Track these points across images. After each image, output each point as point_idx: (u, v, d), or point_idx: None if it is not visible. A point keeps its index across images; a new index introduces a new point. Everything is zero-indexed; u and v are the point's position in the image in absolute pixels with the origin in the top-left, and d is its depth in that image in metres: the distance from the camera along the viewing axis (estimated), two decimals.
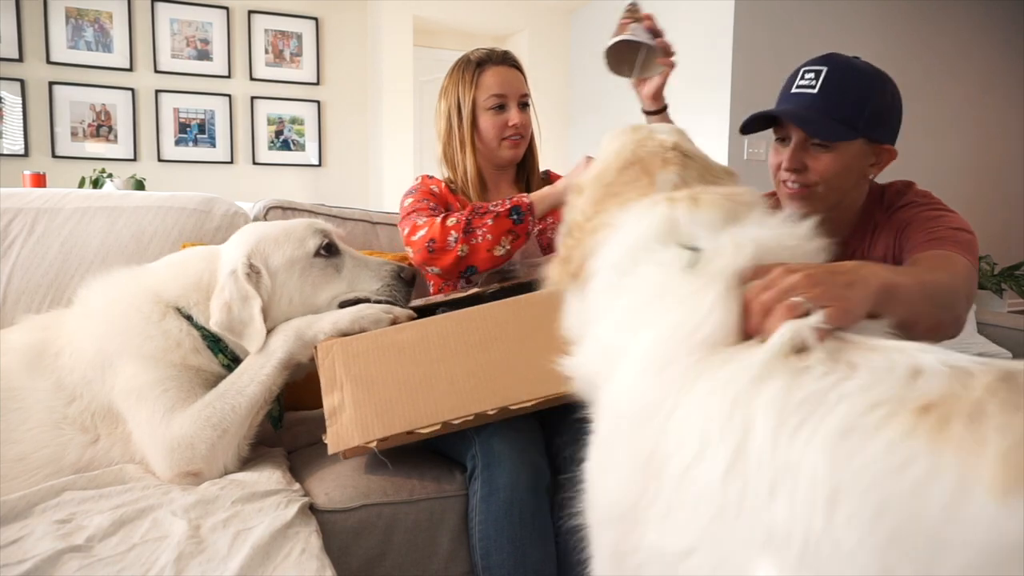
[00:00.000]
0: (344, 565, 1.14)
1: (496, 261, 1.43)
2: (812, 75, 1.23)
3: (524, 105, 1.63)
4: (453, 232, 1.41)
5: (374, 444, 1.05)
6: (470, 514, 1.19)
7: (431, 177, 1.66)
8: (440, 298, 1.41)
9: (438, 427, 1.05)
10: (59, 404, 1.17)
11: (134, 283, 1.27)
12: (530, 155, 1.71)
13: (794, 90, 1.24)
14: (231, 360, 1.26)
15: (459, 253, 1.40)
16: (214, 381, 1.24)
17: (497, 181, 1.68)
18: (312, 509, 1.13)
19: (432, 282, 1.66)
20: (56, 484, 1.08)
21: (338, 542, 1.14)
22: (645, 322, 0.77)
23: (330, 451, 1.07)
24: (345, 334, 1.22)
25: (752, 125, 1.27)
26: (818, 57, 1.25)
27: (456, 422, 1.04)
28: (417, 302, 1.41)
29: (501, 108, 1.59)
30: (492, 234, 1.40)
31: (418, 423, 1.04)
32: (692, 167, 0.95)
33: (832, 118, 1.18)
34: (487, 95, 1.58)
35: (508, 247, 1.42)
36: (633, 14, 1.36)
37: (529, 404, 1.04)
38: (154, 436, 1.15)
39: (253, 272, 1.24)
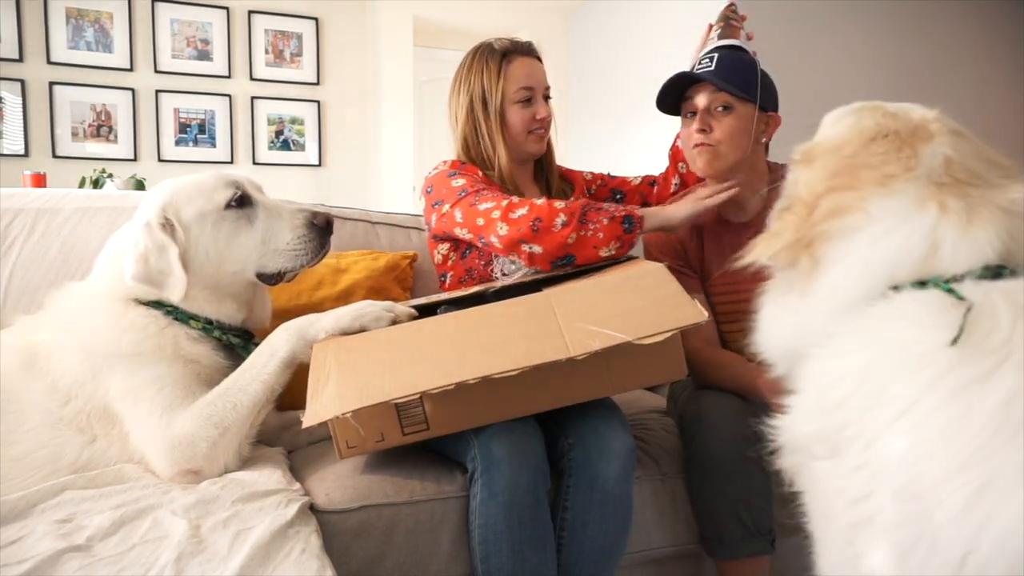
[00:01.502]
0: (344, 566, 1.14)
1: (596, 260, 1.37)
2: (708, 60, 1.46)
3: (547, 98, 1.60)
4: (563, 215, 1.34)
5: (349, 415, 1.04)
6: (470, 517, 1.19)
7: (463, 163, 1.58)
8: (443, 296, 1.41)
9: (416, 396, 1.04)
10: (54, 405, 1.16)
11: (90, 292, 1.27)
12: (548, 149, 1.67)
13: (694, 72, 1.46)
14: (206, 323, 1.26)
15: (567, 240, 1.33)
16: (208, 375, 1.23)
17: (522, 175, 1.64)
18: (312, 509, 1.12)
19: (452, 272, 1.61)
20: (56, 484, 1.08)
21: (338, 543, 1.14)
22: (902, 399, 0.65)
23: (304, 424, 1.05)
24: (346, 333, 1.22)
25: (664, 101, 1.50)
26: (707, 50, 1.49)
27: (435, 391, 1.04)
28: (419, 300, 1.41)
29: (528, 101, 1.55)
30: (604, 233, 1.34)
31: (396, 394, 1.03)
32: (965, 143, 0.80)
33: (728, 82, 1.42)
34: (516, 87, 1.54)
35: (613, 252, 1.36)
36: (734, 16, 1.54)
37: (513, 373, 1.02)
38: (153, 434, 1.15)
39: (167, 224, 1.23)
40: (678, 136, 1.72)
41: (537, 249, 1.35)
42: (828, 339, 0.76)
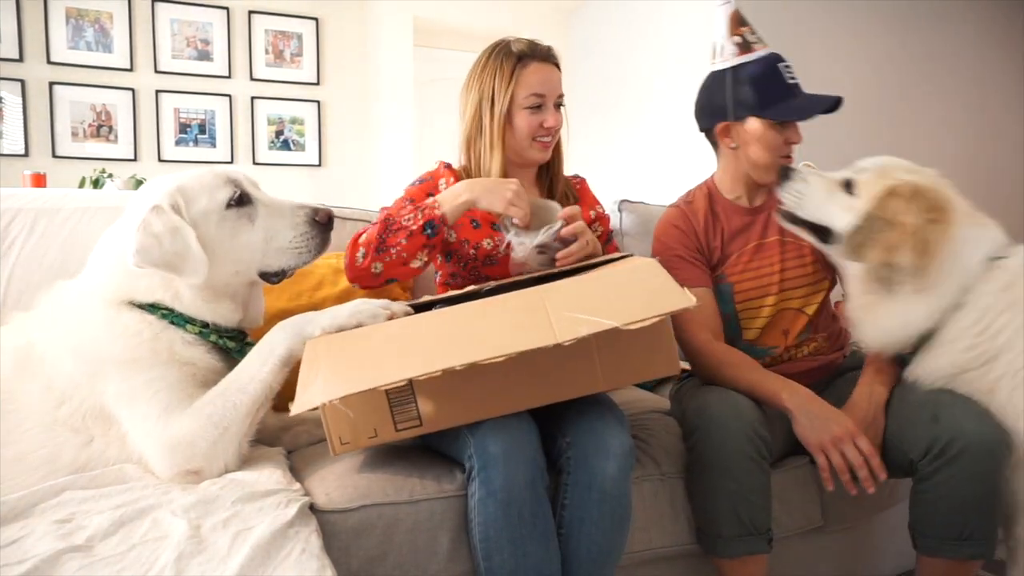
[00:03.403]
0: (344, 565, 1.14)
1: (415, 272, 1.43)
2: (789, 68, 1.54)
3: (558, 106, 1.58)
4: (362, 248, 1.41)
5: (337, 402, 1.03)
6: (469, 515, 1.19)
7: (448, 166, 1.60)
8: (438, 297, 1.41)
9: (403, 383, 1.03)
10: (49, 407, 1.16)
11: (83, 292, 1.26)
12: (556, 156, 1.65)
13: (791, 82, 1.53)
14: (203, 327, 1.25)
15: (373, 271, 1.40)
16: (204, 376, 1.23)
17: (520, 178, 1.60)
18: (312, 509, 1.12)
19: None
20: (56, 484, 1.08)
21: (338, 542, 1.14)
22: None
23: (293, 412, 1.05)
24: (343, 330, 1.21)
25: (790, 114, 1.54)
26: (772, 52, 1.54)
27: (421, 378, 1.03)
28: (415, 301, 1.41)
29: (539, 108, 1.54)
30: (407, 251, 1.39)
31: (382, 381, 1.03)
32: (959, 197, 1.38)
33: None
34: (527, 93, 1.52)
35: (425, 259, 1.41)
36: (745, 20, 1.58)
37: (499, 359, 1.01)
38: (151, 436, 1.15)
39: (177, 211, 1.21)
40: None
41: (357, 286, 1.47)
42: (960, 308, 1.31)
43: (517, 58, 1.53)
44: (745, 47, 1.54)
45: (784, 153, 1.55)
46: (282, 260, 1.29)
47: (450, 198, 1.41)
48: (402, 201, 1.55)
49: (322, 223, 1.29)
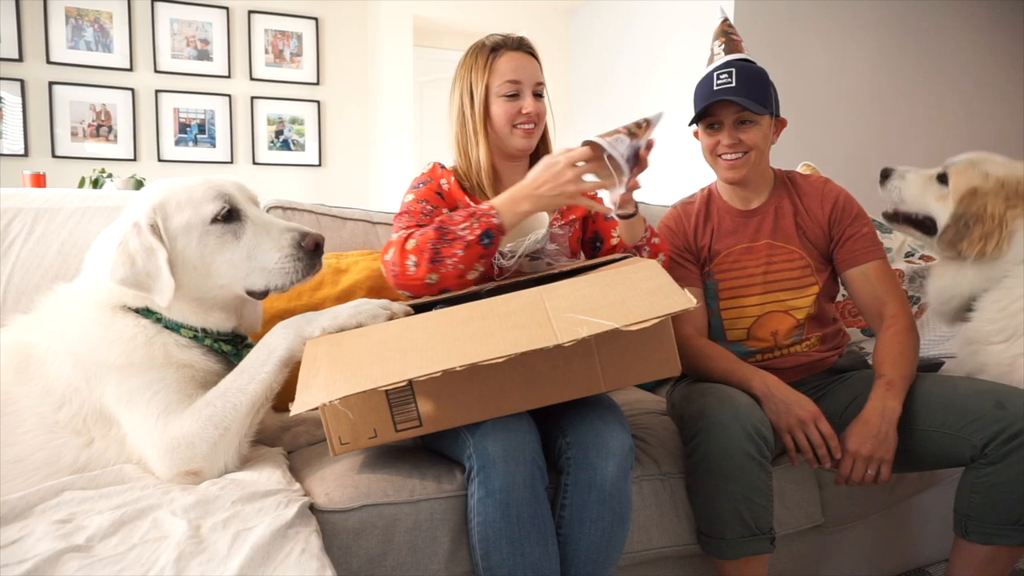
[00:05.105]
0: (344, 565, 1.14)
1: (469, 284, 1.38)
2: (726, 75, 1.57)
3: (539, 95, 1.58)
4: (412, 256, 1.34)
5: (337, 402, 1.03)
6: (469, 515, 1.19)
7: (443, 167, 1.60)
8: (438, 297, 1.41)
9: (403, 383, 1.03)
10: (48, 410, 1.16)
11: (80, 296, 1.25)
12: (543, 147, 1.66)
13: (716, 88, 1.57)
14: (196, 331, 1.24)
15: (428, 281, 1.35)
16: (202, 377, 1.23)
17: (511, 173, 1.62)
18: (312, 509, 1.13)
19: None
20: (56, 484, 1.08)
21: (339, 542, 1.14)
22: None
23: (292, 411, 1.05)
24: (343, 330, 1.21)
25: (695, 119, 1.62)
26: (721, 64, 1.60)
27: (421, 379, 1.03)
28: (416, 300, 1.41)
29: (515, 96, 1.55)
30: (464, 263, 1.33)
31: (382, 381, 1.03)
32: None
33: (754, 100, 1.55)
34: (501, 81, 1.54)
35: (481, 270, 1.37)
36: (731, 30, 1.64)
37: (500, 360, 1.01)
38: (151, 438, 1.14)
39: (155, 229, 1.20)
40: (652, 235, 1.66)
41: (407, 294, 1.40)
42: (999, 282, 1.48)
43: (491, 49, 1.56)
44: (710, 60, 1.65)
45: (719, 153, 1.61)
46: (265, 280, 1.25)
47: (509, 205, 1.36)
48: (415, 203, 1.53)
49: (308, 249, 1.26)
